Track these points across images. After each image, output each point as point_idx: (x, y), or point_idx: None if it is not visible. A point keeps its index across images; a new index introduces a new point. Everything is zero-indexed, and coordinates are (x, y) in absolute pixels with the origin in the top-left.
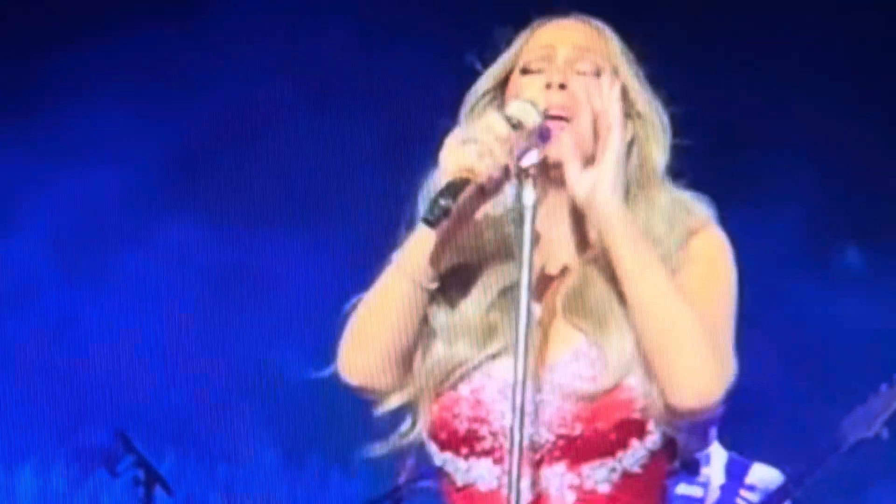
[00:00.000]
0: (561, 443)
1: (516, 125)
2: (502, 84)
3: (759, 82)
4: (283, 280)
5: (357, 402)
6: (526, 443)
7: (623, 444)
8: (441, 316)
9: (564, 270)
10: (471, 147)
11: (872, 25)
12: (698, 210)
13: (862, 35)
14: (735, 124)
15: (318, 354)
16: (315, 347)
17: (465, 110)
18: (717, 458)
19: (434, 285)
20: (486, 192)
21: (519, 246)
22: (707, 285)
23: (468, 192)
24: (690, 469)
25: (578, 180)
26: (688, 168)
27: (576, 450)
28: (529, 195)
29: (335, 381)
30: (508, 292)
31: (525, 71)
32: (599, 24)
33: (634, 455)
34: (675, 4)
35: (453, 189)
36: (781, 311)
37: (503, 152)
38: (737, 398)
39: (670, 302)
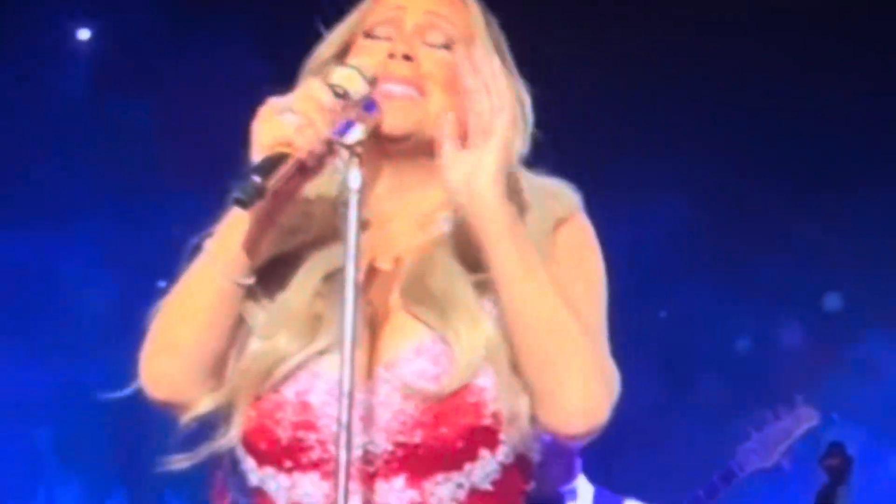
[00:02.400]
0: (400, 453)
1: (341, 94)
2: (346, 50)
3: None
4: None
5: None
6: (359, 453)
7: (471, 455)
8: (259, 309)
9: (398, 258)
10: (288, 118)
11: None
12: (565, 196)
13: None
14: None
15: (123, 370)
16: (119, 362)
17: (301, 79)
18: (583, 493)
19: (249, 280)
20: (307, 168)
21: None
22: (579, 282)
23: (287, 168)
24: None
25: (454, 162)
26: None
27: (417, 461)
28: (355, 177)
29: (141, 406)
30: (335, 278)
31: (369, 35)
32: None
33: (484, 469)
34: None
35: (268, 165)
36: (658, 322)
37: (325, 124)
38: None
39: (556, 311)
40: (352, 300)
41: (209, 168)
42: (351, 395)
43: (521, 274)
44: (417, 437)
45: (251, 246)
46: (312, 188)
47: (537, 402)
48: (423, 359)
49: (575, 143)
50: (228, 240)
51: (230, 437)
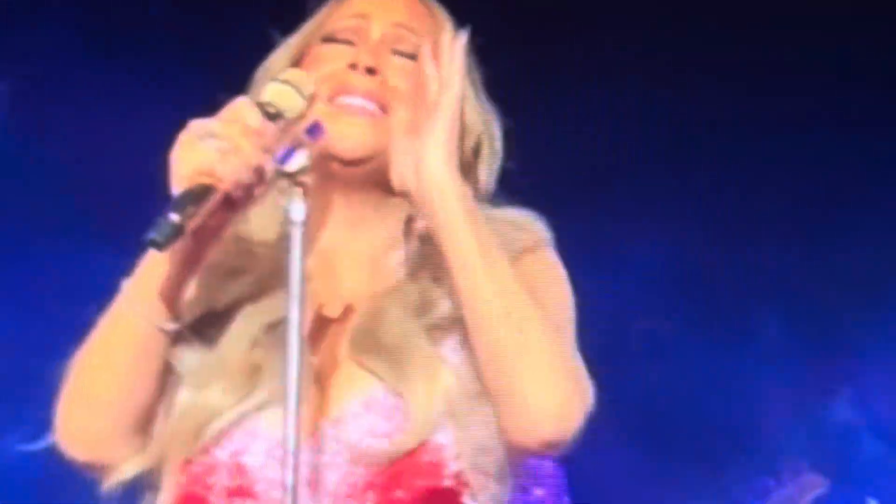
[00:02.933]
0: None
1: (273, 114)
2: (301, 59)
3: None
4: None
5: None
6: None
7: None
8: (189, 356)
9: (349, 306)
10: (211, 143)
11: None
12: (534, 228)
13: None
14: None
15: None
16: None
17: (251, 93)
18: None
19: (173, 326)
20: (233, 201)
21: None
22: (547, 298)
23: (210, 202)
24: None
25: (402, 150)
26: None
27: None
28: (299, 209)
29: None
30: (277, 328)
31: (328, 39)
32: (433, 1)
33: None
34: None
35: (188, 200)
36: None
37: (254, 150)
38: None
39: (516, 300)
40: (296, 347)
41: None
42: (296, 455)
43: (478, 259)
44: (369, 502)
45: (173, 288)
46: (255, 224)
47: (503, 409)
48: (374, 414)
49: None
50: (148, 281)
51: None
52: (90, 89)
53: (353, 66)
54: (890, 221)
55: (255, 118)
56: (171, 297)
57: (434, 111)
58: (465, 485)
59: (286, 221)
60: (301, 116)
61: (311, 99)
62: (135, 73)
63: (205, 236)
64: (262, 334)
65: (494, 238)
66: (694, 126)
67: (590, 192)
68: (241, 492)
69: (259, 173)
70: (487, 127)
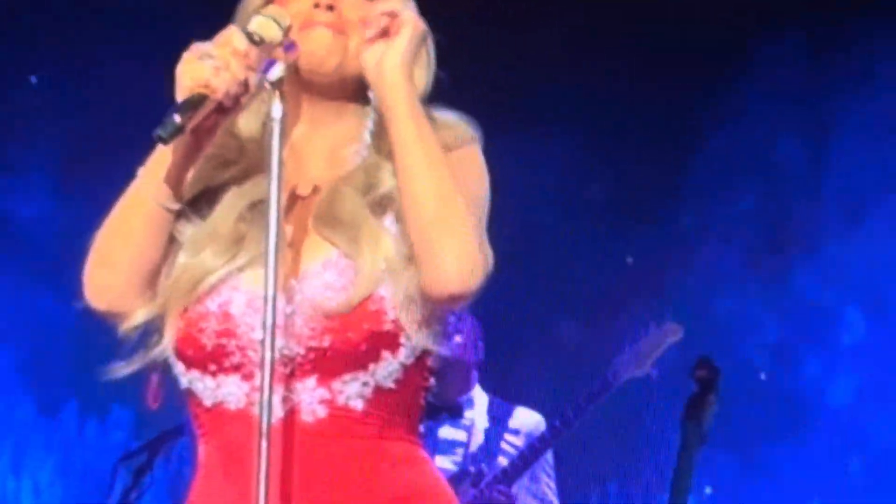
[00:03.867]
0: (311, 356)
1: (258, 41)
2: (271, 2)
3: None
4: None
5: (114, 348)
6: (276, 356)
7: (374, 357)
8: (188, 228)
9: (316, 187)
10: (207, 62)
11: None
12: (461, 128)
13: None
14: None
15: (72, 290)
16: (70, 283)
17: (235, 23)
18: (479, 402)
19: (176, 205)
20: (224, 107)
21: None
22: (469, 185)
23: (205, 108)
24: (453, 412)
25: (372, 48)
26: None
27: (326, 363)
28: (277, 108)
29: (90, 324)
30: (258, 206)
31: None
32: None
33: (387, 368)
34: None
35: (188, 105)
36: (540, 248)
37: (241, 67)
38: (499, 340)
39: (442, 175)
40: (274, 219)
41: None
42: (275, 301)
43: (415, 141)
44: (326, 342)
45: (177, 175)
46: (244, 125)
47: (423, 266)
48: (330, 272)
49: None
50: (157, 169)
51: (163, 345)
52: None
53: (316, 5)
54: None
55: (242, 42)
56: (175, 182)
57: (400, 26)
58: (401, 328)
59: (268, 120)
60: (280, 43)
61: (288, 29)
62: None
63: (201, 134)
64: (246, 210)
65: (431, 128)
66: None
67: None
68: (227, 333)
69: (245, 86)
70: (423, 39)
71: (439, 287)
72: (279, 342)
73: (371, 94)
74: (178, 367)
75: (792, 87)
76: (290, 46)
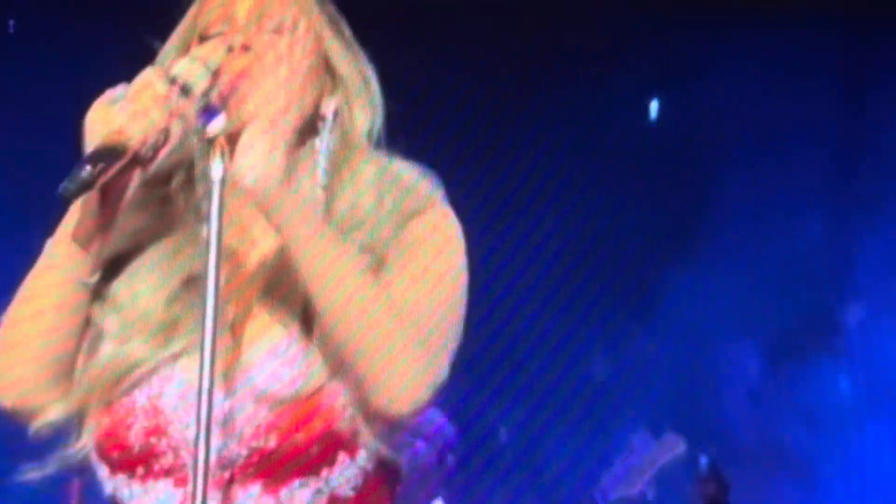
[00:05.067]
0: (255, 458)
1: (185, 88)
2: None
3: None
4: None
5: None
6: (213, 458)
7: (329, 461)
8: (110, 312)
9: (259, 255)
10: (123, 107)
11: None
12: (422, 188)
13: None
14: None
15: None
16: None
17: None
18: None
19: (91, 280)
20: (142, 160)
21: (206, 226)
22: (427, 275)
23: (121, 160)
24: None
25: (236, 160)
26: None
27: (272, 467)
28: (218, 168)
29: None
30: (193, 282)
31: (204, 37)
32: None
33: (344, 474)
34: None
35: (100, 156)
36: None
37: (161, 114)
38: (471, 445)
39: (362, 305)
40: (213, 296)
41: None
42: (210, 393)
43: (321, 271)
44: (272, 443)
45: (90, 243)
46: (175, 183)
47: (359, 387)
48: (277, 360)
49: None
50: (67, 238)
51: (82, 444)
52: None
53: (230, 50)
54: None
55: (162, 86)
56: (87, 252)
57: (255, 118)
58: (358, 428)
59: (204, 180)
60: (208, 88)
61: (217, 73)
62: None
63: (115, 192)
64: (179, 288)
65: (337, 239)
66: None
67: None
68: (156, 430)
69: (165, 134)
70: (362, 75)
71: (375, 409)
72: (216, 442)
73: (320, 130)
74: (102, 471)
75: None
76: (211, 111)
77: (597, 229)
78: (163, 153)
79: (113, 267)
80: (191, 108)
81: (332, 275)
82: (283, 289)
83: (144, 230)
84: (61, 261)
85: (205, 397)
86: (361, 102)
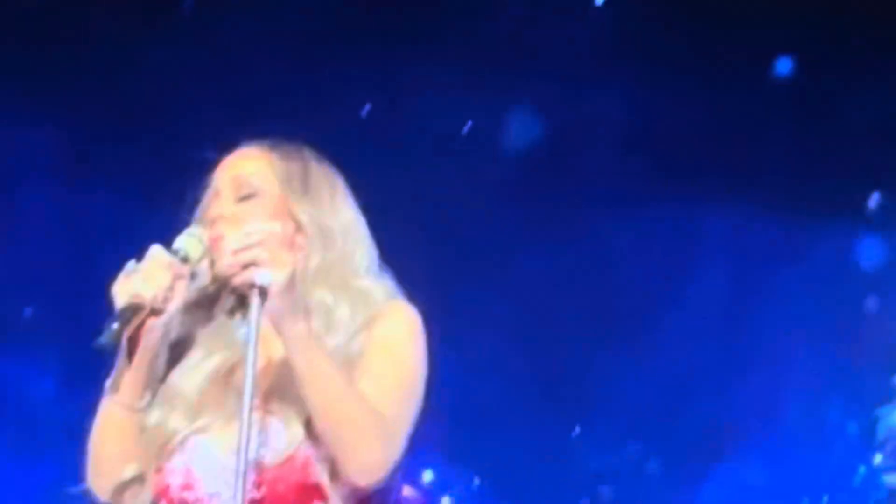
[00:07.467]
0: None
1: (185, 258)
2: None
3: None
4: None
5: None
6: None
7: None
8: (159, 388)
9: (267, 357)
10: (136, 275)
11: None
12: (378, 294)
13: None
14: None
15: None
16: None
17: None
18: None
19: (143, 404)
20: (156, 310)
21: (238, 345)
22: (389, 372)
23: (140, 314)
24: None
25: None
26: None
27: None
28: (257, 311)
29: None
30: (222, 372)
31: (206, 222)
32: (265, 147)
33: None
34: None
35: (124, 315)
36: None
37: (166, 276)
38: None
39: (338, 400)
40: (249, 406)
41: None
42: (245, 464)
43: (310, 378)
44: (261, 493)
45: (134, 379)
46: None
47: (335, 459)
48: (267, 433)
49: None
50: (116, 379)
51: (143, 498)
52: None
53: (213, 222)
54: None
55: (163, 256)
56: (133, 383)
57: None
58: (329, 481)
59: (246, 319)
60: (199, 259)
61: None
62: None
63: (140, 334)
64: (212, 373)
65: (321, 353)
66: None
67: None
68: (187, 487)
69: (170, 291)
70: (352, 226)
71: (344, 477)
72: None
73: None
74: None
75: None
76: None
77: None
78: (172, 305)
79: (169, 353)
80: (188, 270)
81: (318, 377)
82: (285, 384)
83: (192, 327)
84: (117, 396)
85: (239, 481)
86: (349, 248)
